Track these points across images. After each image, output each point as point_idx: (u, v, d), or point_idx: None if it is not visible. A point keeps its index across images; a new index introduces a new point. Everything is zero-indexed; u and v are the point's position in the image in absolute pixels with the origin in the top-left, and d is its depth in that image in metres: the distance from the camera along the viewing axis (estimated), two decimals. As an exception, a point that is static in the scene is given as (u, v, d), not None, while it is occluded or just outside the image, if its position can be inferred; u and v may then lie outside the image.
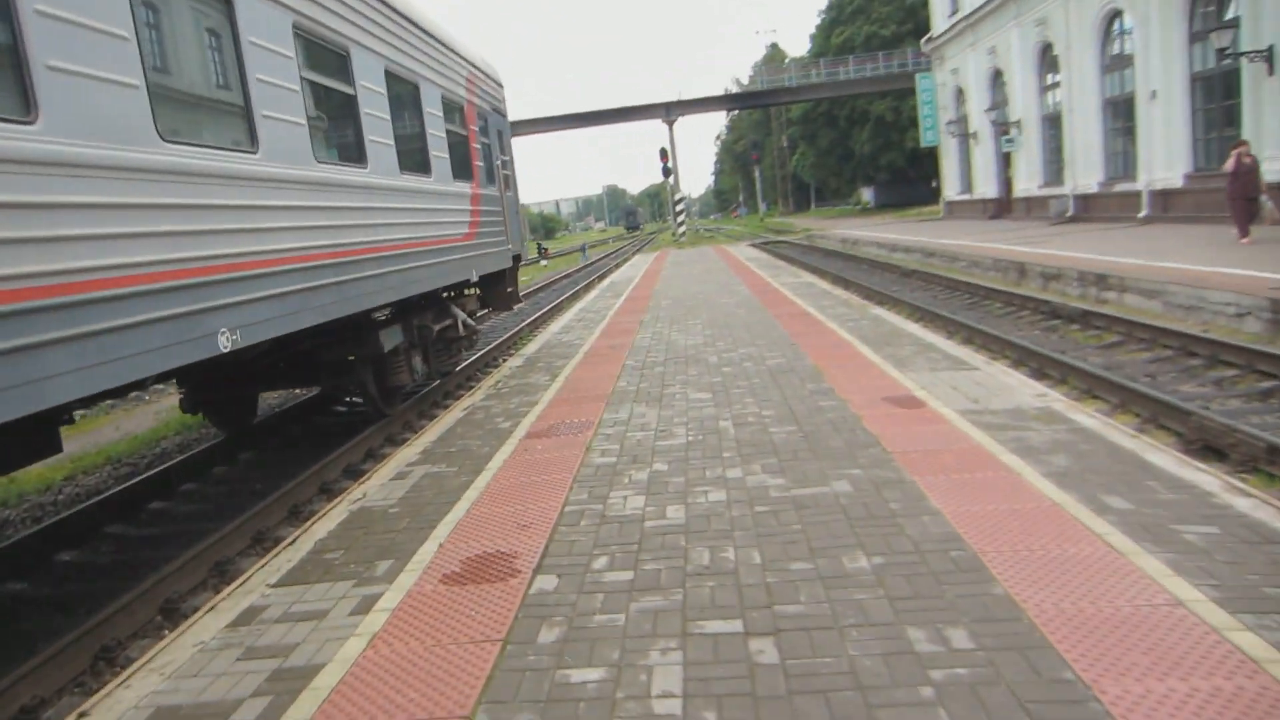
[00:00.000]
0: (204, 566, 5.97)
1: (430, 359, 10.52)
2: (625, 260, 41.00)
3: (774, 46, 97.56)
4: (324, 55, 7.25)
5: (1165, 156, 23.44)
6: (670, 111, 57.21)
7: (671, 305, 16.01)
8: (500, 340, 15.38)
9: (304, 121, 6.58)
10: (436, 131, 9.92)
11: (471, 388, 11.01)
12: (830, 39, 68.84)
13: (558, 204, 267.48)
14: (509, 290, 13.90)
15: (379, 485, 6.02)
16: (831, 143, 74.95)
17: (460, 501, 5.40)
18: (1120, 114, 26.81)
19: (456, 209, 10.44)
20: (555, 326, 14.79)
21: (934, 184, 73.12)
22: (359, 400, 10.57)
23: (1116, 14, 26.03)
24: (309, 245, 6.43)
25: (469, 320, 11.16)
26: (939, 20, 42.44)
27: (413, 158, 9.27)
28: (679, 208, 52.93)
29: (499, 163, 13.08)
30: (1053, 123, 31.77)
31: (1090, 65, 27.59)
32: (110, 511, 7.47)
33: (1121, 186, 26.59)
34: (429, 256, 9.19)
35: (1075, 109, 28.62)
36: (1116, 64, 26.60)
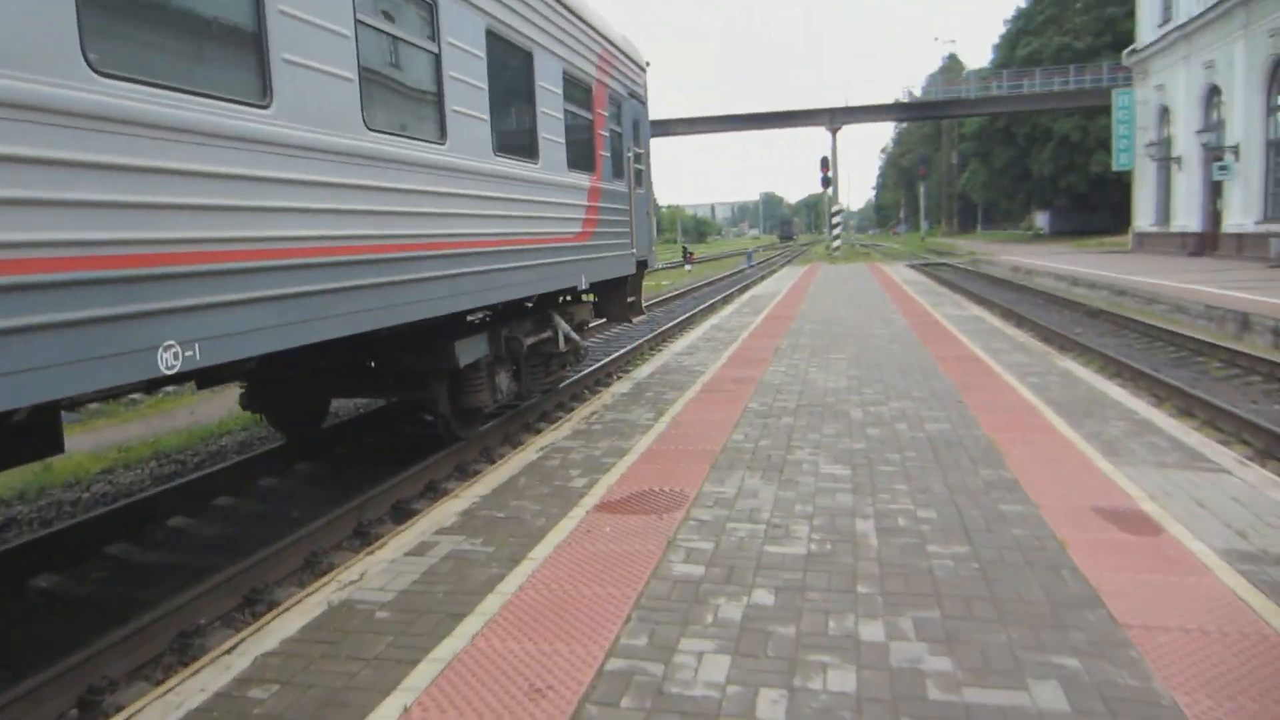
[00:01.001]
0: (161, 639, 4.63)
1: (523, 376, 9.08)
2: (773, 272, 38.96)
3: (952, 57, 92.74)
4: None
5: None
6: (835, 118, 54.56)
7: (815, 331, 14.06)
8: (615, 356, 13.84)
9: (354, 77, 5.17)
10: (551, 111, 8.44)
11: (559, 419, 9.49)
12: (1015, 50, 64.24)
13: (713, 208, 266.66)
14: (630, 300, 12.35)
15: (387, 562, 4.52)
16: (1007, 162, 70.12)
17: (471, 616, 3.81)
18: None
19: (568, 203, 8.94)
20: (679, 345, 13.14)
21: (1118, 213, 67.31)
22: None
23: (1380, 28, 22.06)
24: (334, 235, 5.03)
25: (573, 334, 9.64)
26: (1145, 31, 38.22)
27: (514, 138, 7.82)
28: (835, 220, 50.32)
29: (630, 155, 11.53)
30: (1280, 151, 27.66)
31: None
32: (116, 526, 6.34)
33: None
34: (525, 257, 7.70)
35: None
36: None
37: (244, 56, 4.39)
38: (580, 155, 9.66)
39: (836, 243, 51.26)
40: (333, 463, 8.41)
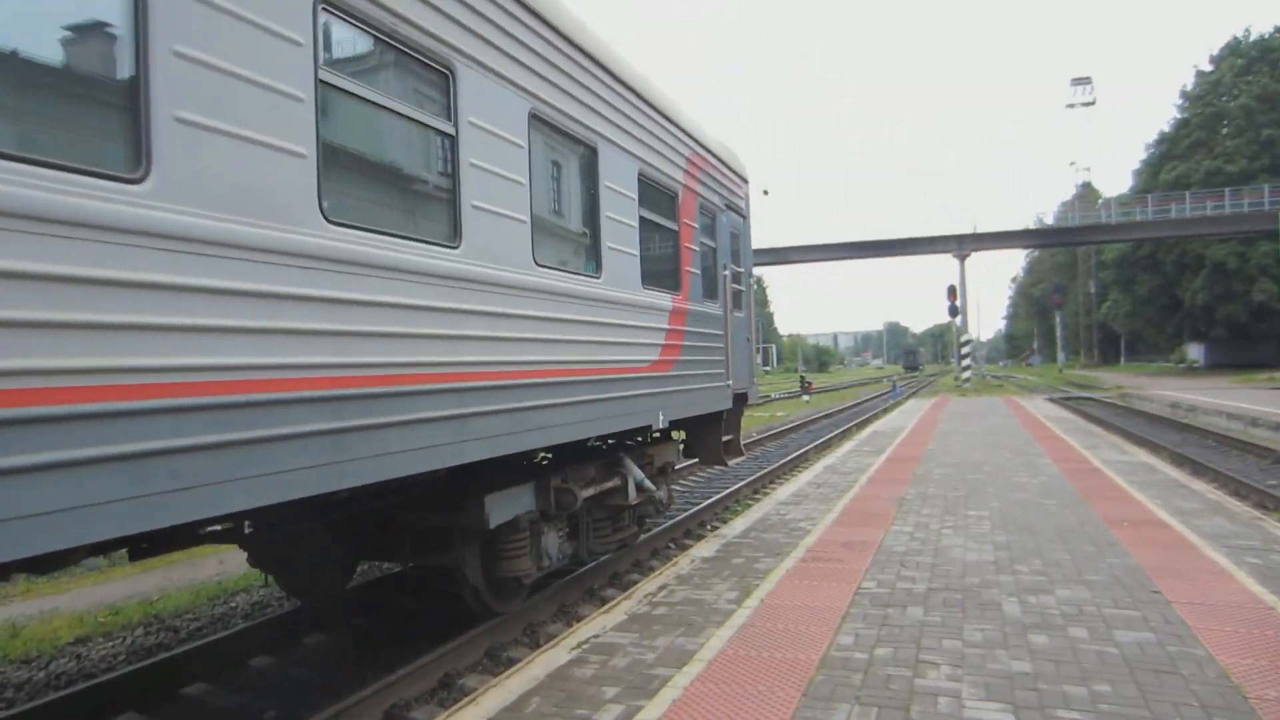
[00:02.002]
0: None
1: (582, 533, 7.46)
2: (898, 404, 36.45)
3: (1087, 185, 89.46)
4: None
5: None
6: (962, 245, 52.45)
7: (947, 478, 11.94)
8: (705, 504, 12.01)
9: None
10: (619, 217, 7.10)
11: (611, 598, 7.76)
12: (1159, 175, 61.05)
13: (835, 337, 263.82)
14: (726, 440, 10.65)
15: None
16: (1153, 290, 65.81)
17: None
18: None
19: (642, 326, 7.47)
20: (785, 491, 11.26)
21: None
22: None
23: None
24: (297, 363, 3.66)
25: (647, 483, 7.98)
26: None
27: (565, 247, 6.48)
28: (965, 350, 47.54)
29: (727, 274, 10.09)
30: None
31: None
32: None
33: None
34: (577, 391, 6.20)
35: None
36: None
37: None
38: (660, 271, 8.26)
39: (966, 374, 48.30)
40: (353, 635, 6.91)
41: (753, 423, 29.03)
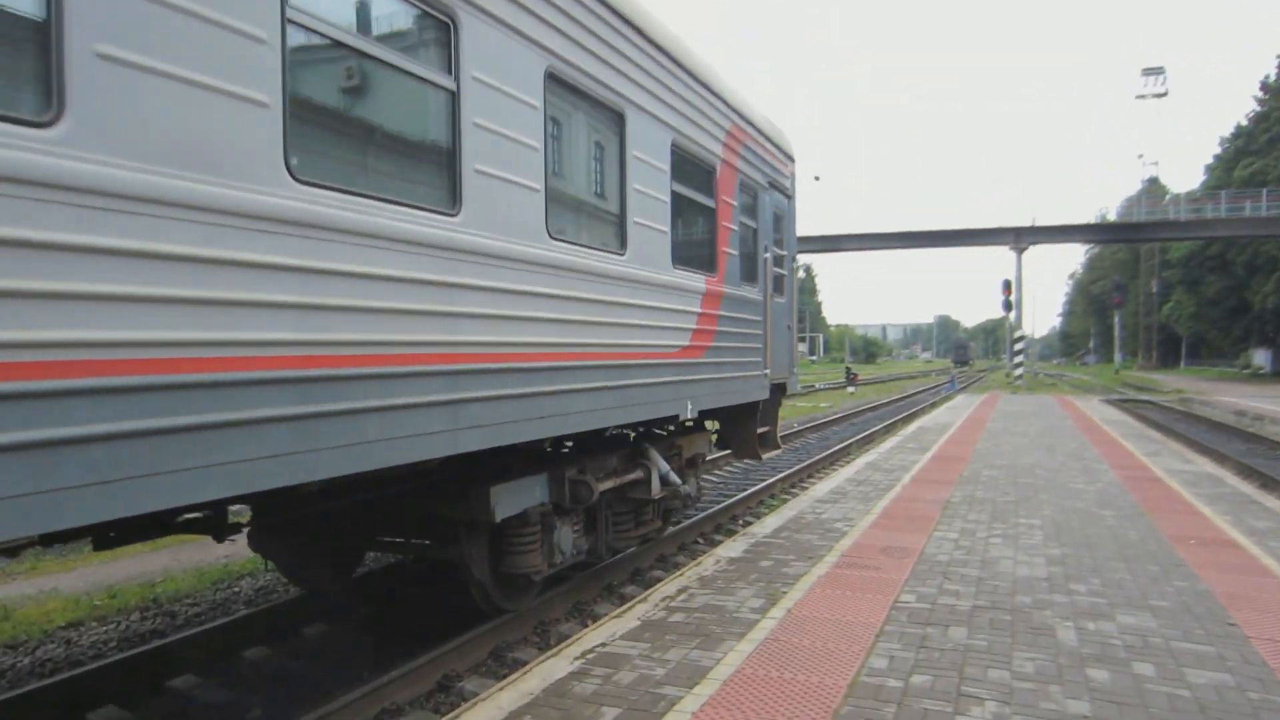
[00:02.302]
0: None
1: (603, 528, 7.00)
2: (946, 399, 35.46)
3: (1154, 180, 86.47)
4: None
5: None
6: (1020, 238, 50.90)
7: (996, 481, 11.27)
8: (737, 498, 11.47)
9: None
10: (649, 190, 6.59)
11: (632, 596, 7.32)
12: (1234, 171, 58.61)
13: (884, 328, 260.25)
14: (762, 431, 10.13)
15: None
16: (1220, 292, 63.41)
17: None
18: None
19: (669, 309, 6.97)
20: (823, 488, 10.69)
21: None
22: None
23: None
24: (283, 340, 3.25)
25: (673, 476, 7.48)
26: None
27: (586, 220, 6.01)
28: (1018, 346, 46.17)
29: (769, 256, 9.53)
30: None
31: None
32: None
33: None
34: (596, 376, 5.73)
35: None
36: None
37: None
38: (694, 251, 7.75)
39: (1019, 370, 46.94)
40: (357, 626, 6.55)
41: (795, 413, 28.37)
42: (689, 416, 7.38)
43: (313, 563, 6.44)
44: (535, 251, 4.98)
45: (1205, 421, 28.10)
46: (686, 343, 7.31)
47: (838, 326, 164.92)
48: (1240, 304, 62.28)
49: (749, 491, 11.72)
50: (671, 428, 8.60)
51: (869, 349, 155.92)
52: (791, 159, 10.72)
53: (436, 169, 4.39)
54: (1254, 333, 66.66)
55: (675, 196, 7.11)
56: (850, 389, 42.61)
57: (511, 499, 5.46)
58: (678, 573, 6.51)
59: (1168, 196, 72.74)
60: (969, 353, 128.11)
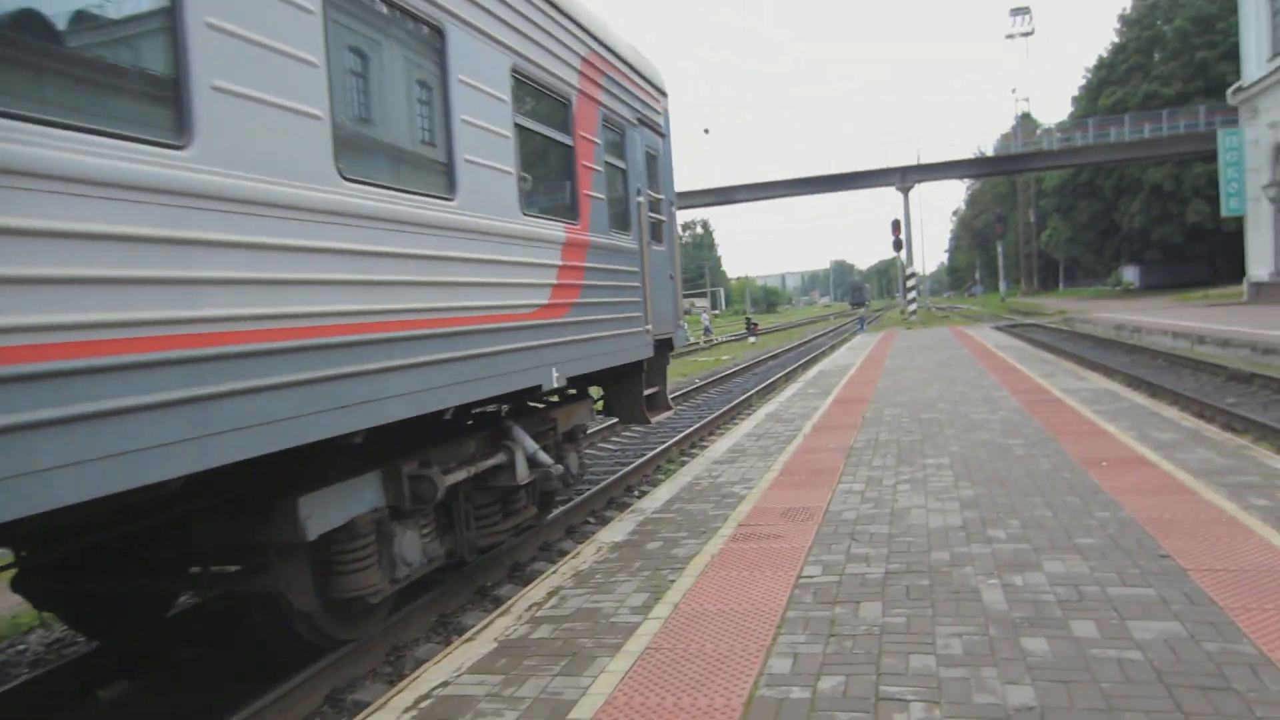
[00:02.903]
0: None
1: (463, 526, 6.05)
2: (844, 341, 35.55)
3: (1025, 116, 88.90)
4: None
5: None
6: (906, 177, 51.46)
7: (900, 420, 10.75)
8: (630, 468, 10.66)
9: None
10: (484, 122, 5.58)
11: (503, 598, 6.45)
12: (1098, 101, 60.55)
13: (783, 277, 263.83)
14: (650, 393, 9.30)
15: None
16: (1092, 216, 65.85)
17: None
18: None
19: (521, 263, 6.01)
20: (721, 446, 9.97)
21: (1216, 264, 62.00)
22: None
23: None
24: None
25: (542, 457, 6.54)
26: (1252, 66, 34.44)
27: (396, 158, 4.98)
28: (910, 283, 46.81)
29: (640, 200, 8.63)
30: None
31: None
32: None
33: None
34: (420, 349, 4.73)
35: None
36: None
37: None
38: (550, 196, 6.79)
39: (913, 306, 47.68)
40: (170, 678, 5.44)
41: (696, 368, 27.82)
42: (556, 385, 6.45)
43: (99, 607, 5.29)
44: (317, 195, 3.92)
45: (1090, 338, 28.79)
46: (545, 300, 6.37)
47: (738, 279, 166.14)
48: (1110, 226, 64.79)
49: (644, 459, 10.92)
50: (547, 400, 7.69)
51: (770, 298, 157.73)
52: (663, 93, 9.80)
53: (158, 86, 3.29)
54: (1124, 252, 69.62)
55: (521, 132, 6.11)
56: (751, 339, 42.47)
57: (329, 509, 4.45)
58: (551, 569, 5.61)
59: (1039, 130, 74.93)
60: (865, 294, 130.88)
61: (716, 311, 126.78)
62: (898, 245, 47.33)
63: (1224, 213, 37.19)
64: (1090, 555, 4.91)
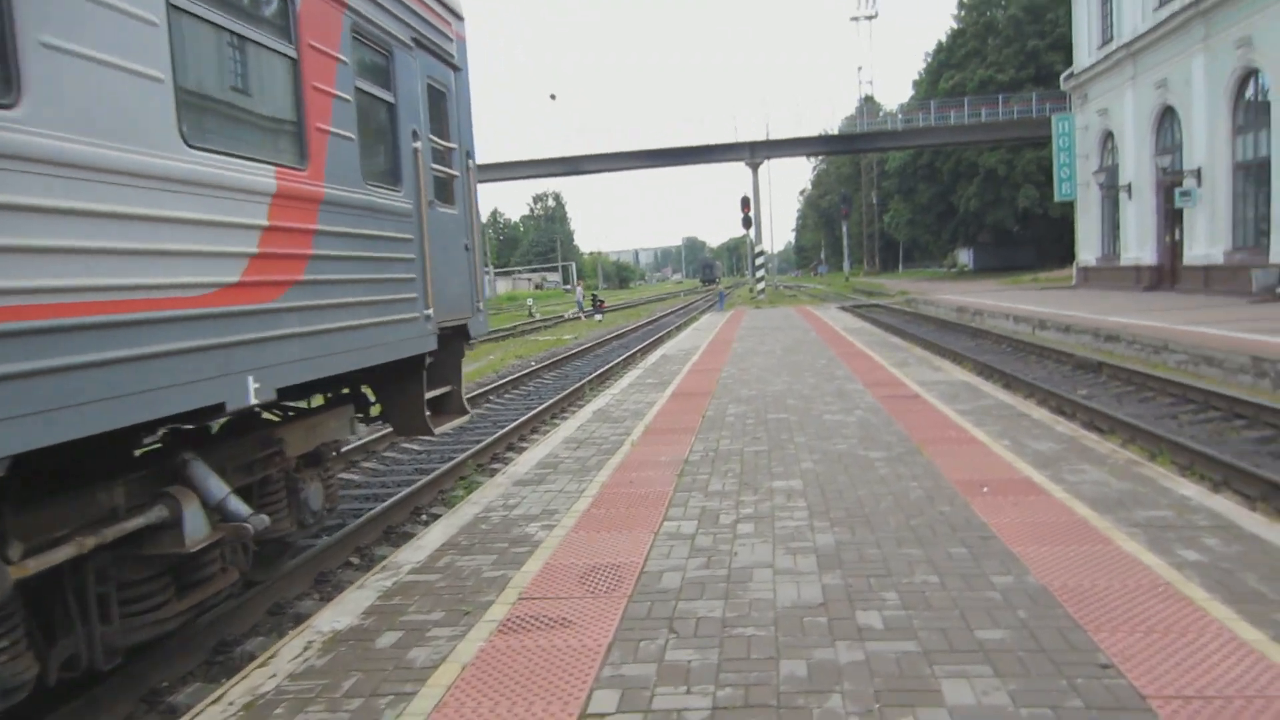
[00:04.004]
0: None
1: (95, 621, 3.97)
2: (691, 320, 34.40)
3: (868, 99, 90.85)
4: None
5: None
6: (755, 152, 50.93)
7: (744, 419, 9.23)
8: (412, 489, 8.71)
9: None
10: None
11: (179, 710, 4.46)
12: (938, 85, 62.00)
13: (636, 253, 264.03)
14: (439, 395, 7.35)
15: None
16: (931, 198, 67.75)
17: None
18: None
19: (179, 218, 3.93)
20: (529, 459, 8.13)
21: (1044, 247, 65.22)
22: None
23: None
24: None
25: (234, 503, 4.48)
26: (1084, 53, 35.30)
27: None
28: (759, 262, 46.36)
29: (418, 146, 6.61)
30: (1253, 173, 24.30)
31: (1331, 93, 20.20)
32: None
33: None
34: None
35: (1301, 152, 21.19)
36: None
37: None
38: (247, 123, 4.72)
39: (761, 285, 47.25)
40: None
41: (535, 349, 25.90)
42: (252, 402, 4.41)
43: None
44: None
45: (934, 320, 28.70)
46: (237, 278, 4.32)
47: (590, 254, 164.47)
48: (948, 209, 66.83)
49: (430, 477, 8.90)
50: (287, 413, 5.63)
51: (622, 274, 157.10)
52: (457, 15, 7.78)
53: None
54: (960, 235, 72.16)
55: (179, 17, 4.01)
56: (597, 317, 40.81)
57: None
58: (212, 696, 3.62)
59: (881, 112, 76.55)
60: (715, 271, 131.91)
61: (567, 288, 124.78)
62: (747, 223, 46.69)
63: (1056, 197, 38.21)
64: (1005, 667, 3.38)
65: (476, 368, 21.25)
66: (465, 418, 7.91)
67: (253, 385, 4.40)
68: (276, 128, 4.95)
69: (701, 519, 5.63)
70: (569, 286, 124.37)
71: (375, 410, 7.13)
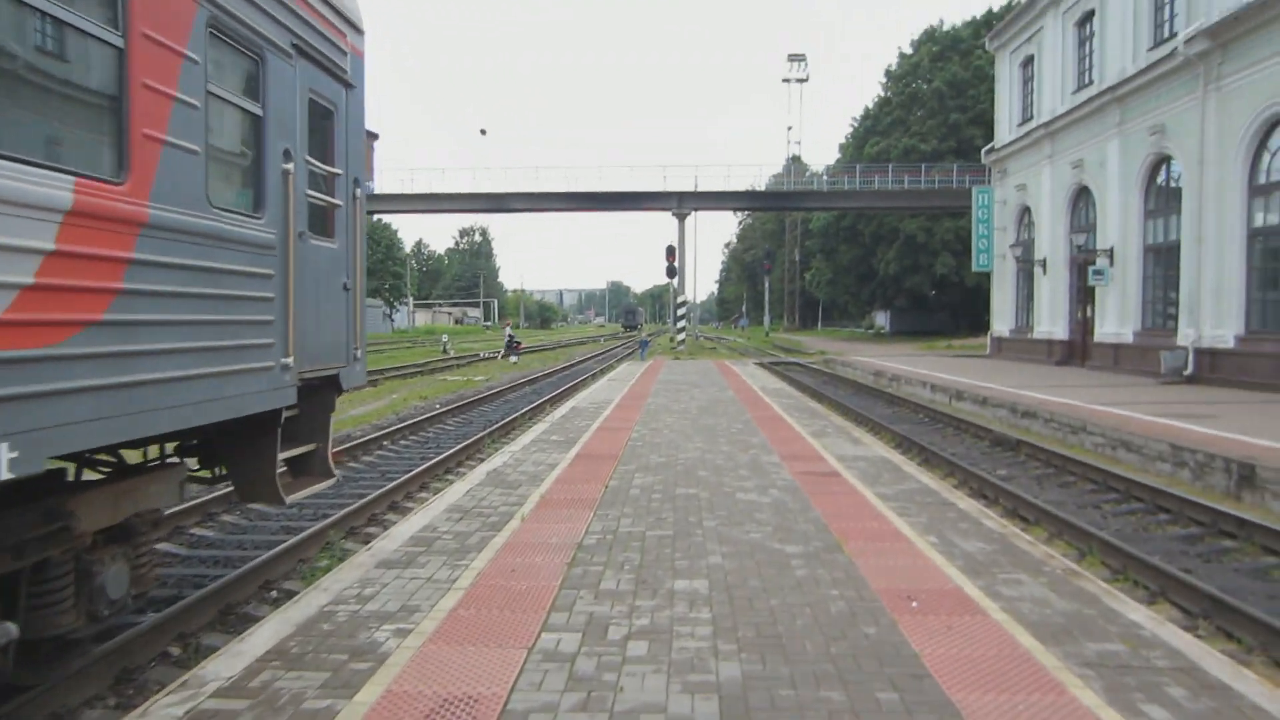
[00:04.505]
0: None
1: None
2: (610, 368, 33.64)
3: (796, 159, 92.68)
4: None
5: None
6: (683, 203, 50.87)
7: (649, 492, 8.40)
8: (246, 569, 7.63)
9: None
10: None
11: None
12: (864, 149, 63.38)
13: (561, 294, 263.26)
14: (296, 455, 6.33)
15: None
16: (852, 260, 68.91)
17: None
18: (1273, 249, 19.93)
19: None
20: (405, 530, 7.12)
21: (958, 314, 66.91)
22: None
23: (1282, 122, 19.34)
24: None
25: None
26: (1004, 129, 36.22)
27: None
28: (680, 312, 46.00)
29: (290, 168, 5.67)
30: (1163, 256, 24.90)
31: (1235, 187, 20.73)
32: None
33: (1273, 344, 19.44)
34: None
35: (1207, 239, 21.66)
36: (1271, 188, 19.84)
37: None
38: (37, 121, 3.76)
39: (681, 335, 46.92)
40: None
41: (442, 389, 24.73)
42: (4, 477, 3.38)
43: None
44: None
45: (851, 384, 28.52)
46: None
47: (514, 291, 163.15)
48: (868, 271, 68.02)
49: (290, 542, 7.79)
50: (107, 473, 4.56)
51: (545, 314, 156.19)
52: (355, 27, 6.91)
53: None
54: (878, 297, 73.51)
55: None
56: (513, 359, 39.70)
57: None
58: None
59: (807, 173, 78.01)
60: (638, 317, 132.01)
61: (488, 324, 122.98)
62: (671, 272, 46.45)
63: (974, 268, 38.87)
64: None
65: (375, 408, 20.01)
66: (328, 482, 6.86)
67: (7, 455, 3.37)
68: (83, 129, 3.98)
69: (587, 631, 4.74)
70: (489, 324, 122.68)
71: (178, 487, 5.99)
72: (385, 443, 14.28)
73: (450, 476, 11.39)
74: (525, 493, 8.58)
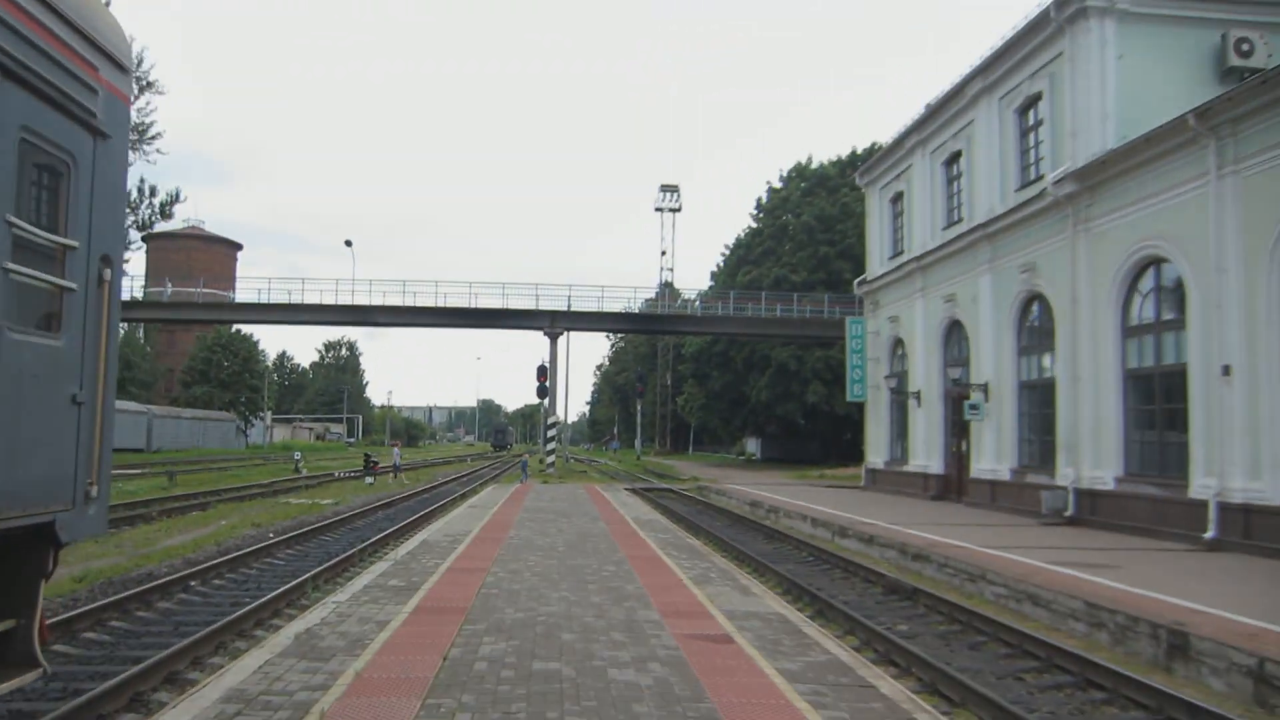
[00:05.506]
0: None
1: None
2: (474, 491, 31.31)
3: (669, 285, 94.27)
4: None
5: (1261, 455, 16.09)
6: (555, 322, 49.83)
7: (499, 667, 6.54)
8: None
9: None
10: None
11: None
12: (736, 277, 64.52)
13: (430, 411, 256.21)
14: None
15: None
16: (724, 385, 69.12)
17: None
18: (1149, 391, 20.03)
19: None
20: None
21: (828, 443, 67.74)
22: None
23: (1152, 263, 19.81)
24: None
25: None
26: (876, 261, 37.02)
27: None
28: (551, 433, 44.25)
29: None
30: (1039, 392, 25.02)
31: (1109, 327, 20.96)
32: None
33: (1152, 488, 19.26)
34: None
35: (1083, 378, 21.70)
36: (1144, 330, 20.16)
37: None
38: None
39: (551, 458, 44.99)
40: None
41: (282, 514, 21.93)
42: None
43: None
44: None
45: (728, 514, 27.21)
46: None
47: (382, 407, 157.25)
48: (739, 397, 68.32)
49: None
50: None
51: (412, 431, 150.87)
52: (118, 65, 5.26)
53: None
54: (750, 423, 73.84)
55: None
56: (369, 480, 36.76)
57: None
58: None
59: (680, 299, 78.99)
60: (508, 436, 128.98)
61: (351, 440, 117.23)
62: (542, 391, 44.90)
63: (848, 398, 38.89)
64: None
65: (195, 537, 17.23)
66: (33, 675, 4.77)
67: None
68: None
69: None
70: (352, 440, 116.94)
71: None
72: (193, 583, 11.82)
73: (248, 640, 9.08)
74: (336, 670, 6.59)
